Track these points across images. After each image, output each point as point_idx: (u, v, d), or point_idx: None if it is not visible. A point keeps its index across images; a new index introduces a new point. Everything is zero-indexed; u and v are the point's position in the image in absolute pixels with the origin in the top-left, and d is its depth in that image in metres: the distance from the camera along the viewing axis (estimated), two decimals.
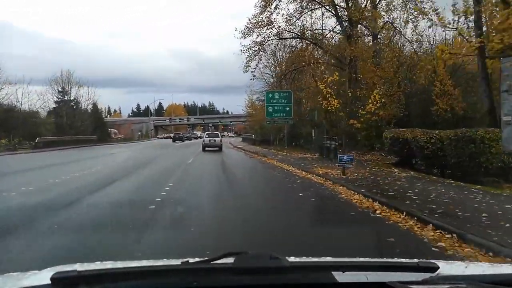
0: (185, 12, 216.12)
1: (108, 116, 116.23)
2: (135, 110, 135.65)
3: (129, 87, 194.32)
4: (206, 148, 29.32)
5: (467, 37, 13.68)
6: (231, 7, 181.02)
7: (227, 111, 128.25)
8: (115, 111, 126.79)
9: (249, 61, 25.27)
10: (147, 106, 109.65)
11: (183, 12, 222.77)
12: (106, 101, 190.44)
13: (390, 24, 21.69)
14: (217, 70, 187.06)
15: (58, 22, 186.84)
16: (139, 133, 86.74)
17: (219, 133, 37.07)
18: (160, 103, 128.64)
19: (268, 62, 33.54)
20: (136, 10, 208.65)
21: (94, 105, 56.41)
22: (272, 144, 34.97)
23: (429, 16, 14.59)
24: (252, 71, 26.15)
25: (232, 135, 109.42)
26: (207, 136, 32.61)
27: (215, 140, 30.28)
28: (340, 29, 23.97)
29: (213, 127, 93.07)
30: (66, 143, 37.93)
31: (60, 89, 47.74)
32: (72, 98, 51.47)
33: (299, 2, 23.40)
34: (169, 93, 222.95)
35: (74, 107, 51.36)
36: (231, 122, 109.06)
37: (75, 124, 47.13)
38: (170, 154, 25.83)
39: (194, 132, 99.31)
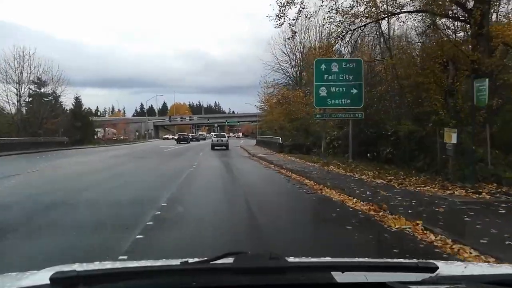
0: (191, 13, 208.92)
1: (109, 115, 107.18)
2: (139, 110, 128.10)
3: (135, 87, 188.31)
4: (215, 147, 32.96)
5: None
6: (236, 7, 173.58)
7: (233, 111, 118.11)
8: (118, 110, 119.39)
9: (286, 5, 13.67)
10: (151, 105, 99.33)
11: (188, 12, 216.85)
12: (111, 101, 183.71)
13: None
14: (223, 71, 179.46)
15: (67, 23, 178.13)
16: (137, 133, 78.32)
17: (225, 133, 43.76)
18: (164, 103, 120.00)
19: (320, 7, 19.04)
20: (143, 12, 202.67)
21: (77, 101, 47.10)
22: (312, 152, 22.48)
23: None
24: (290, 24, 14.41)
25: (240, 135, 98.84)
26: (215, 136, 37.19)
27: (222, 140, 34.75)
28: None
29: (218, 128, 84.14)
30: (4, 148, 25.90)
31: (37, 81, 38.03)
32: (36, 90, 40.89)
33: None
34: (176, 94, 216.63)
35: (53, 101, 41.69)
36: (238, 122, 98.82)
37: (35, 122, 36.51)
38: (139, 177, 13.28)
39: (200, 132, 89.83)
